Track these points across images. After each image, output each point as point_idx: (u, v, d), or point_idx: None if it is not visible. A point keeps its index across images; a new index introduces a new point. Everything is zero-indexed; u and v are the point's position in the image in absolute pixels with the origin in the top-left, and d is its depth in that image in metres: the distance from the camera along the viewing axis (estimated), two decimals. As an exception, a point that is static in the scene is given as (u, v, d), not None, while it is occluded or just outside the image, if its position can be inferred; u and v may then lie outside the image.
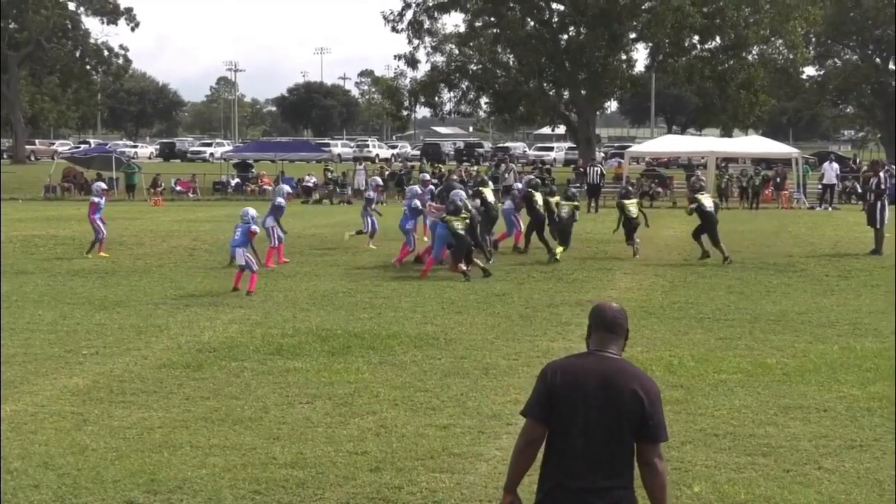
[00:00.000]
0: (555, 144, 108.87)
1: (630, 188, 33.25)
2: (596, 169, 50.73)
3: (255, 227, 21.94)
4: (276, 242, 25.77)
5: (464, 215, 23.93)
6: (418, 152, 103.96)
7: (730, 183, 52.83)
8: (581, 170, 55.26)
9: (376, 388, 13.08)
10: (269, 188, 56.72)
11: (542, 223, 27.85)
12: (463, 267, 23.45)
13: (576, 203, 27.79)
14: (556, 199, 28.14)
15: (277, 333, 16.76)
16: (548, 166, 64.50)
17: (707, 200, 26.87)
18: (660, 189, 53.49)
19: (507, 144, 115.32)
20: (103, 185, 30.03)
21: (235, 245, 21.69)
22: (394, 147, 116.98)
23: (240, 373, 13.98)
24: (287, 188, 30.19)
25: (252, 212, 22.37)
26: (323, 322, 17.87)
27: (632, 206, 27.72)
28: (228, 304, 19.91)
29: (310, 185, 54.83)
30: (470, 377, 13.69)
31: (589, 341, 6.06)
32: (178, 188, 57.77)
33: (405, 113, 72.55)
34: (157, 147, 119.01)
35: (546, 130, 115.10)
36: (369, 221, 29.41)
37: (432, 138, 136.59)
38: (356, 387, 13.13)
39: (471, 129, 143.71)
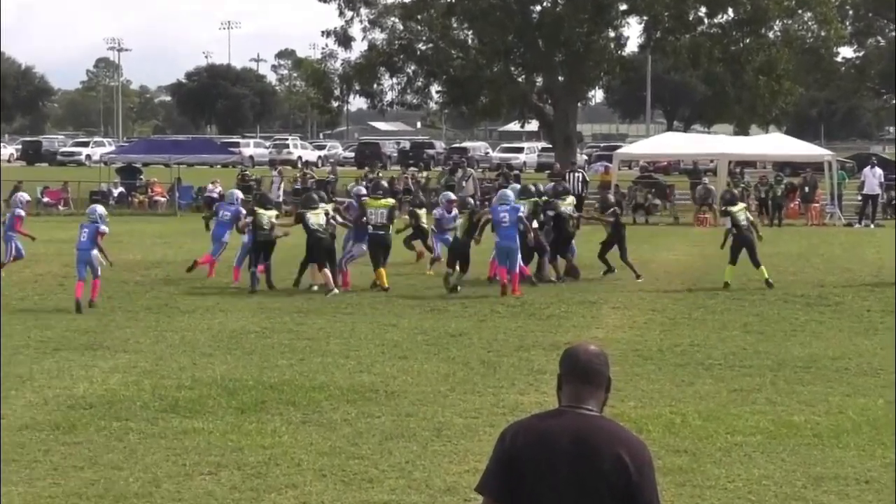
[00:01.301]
0: (525, 144, 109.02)
1: (566, 185, 33.63)
2: (577, 175, 50.86)
3: (103, 228, 24.10)
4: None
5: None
6: (352, 154, 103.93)
7: (746, 193, 53.00)
8: (558, 176, 55.34)
9: (298, 454, 13.05)
10: (162, 199, 56.64)
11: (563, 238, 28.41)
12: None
13: (744, 204, 28.47)
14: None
15: (172, 385, 16.69)
16: (516, 172, 64.71)
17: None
18: (657, 201, 53.66)
19: (464, 144, 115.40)
20: (26, 196, 33.16)
21: (84, 249, 23.77)
22: (321, 147, 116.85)
23: (123, 436, 13.89)
24: (239, 193, 30.72)
25: (100, 209, 24.92)
26: (230, 371, 17.80)
27: (565, 206, 28.20)
28: (109, 346, 19.80)
29: (214, 195, 54.64)
30: (417, 440, 13.68)
31: (560, 394, 6.04)
32: (46, 199, 57.34)
33: (335, 104, 72.36)
34: (19, 147, 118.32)
35: (514, 127, 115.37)
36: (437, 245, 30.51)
37: (369, 136, 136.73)
38: (272, 453, 13.09)
39: (419, 124, 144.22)
